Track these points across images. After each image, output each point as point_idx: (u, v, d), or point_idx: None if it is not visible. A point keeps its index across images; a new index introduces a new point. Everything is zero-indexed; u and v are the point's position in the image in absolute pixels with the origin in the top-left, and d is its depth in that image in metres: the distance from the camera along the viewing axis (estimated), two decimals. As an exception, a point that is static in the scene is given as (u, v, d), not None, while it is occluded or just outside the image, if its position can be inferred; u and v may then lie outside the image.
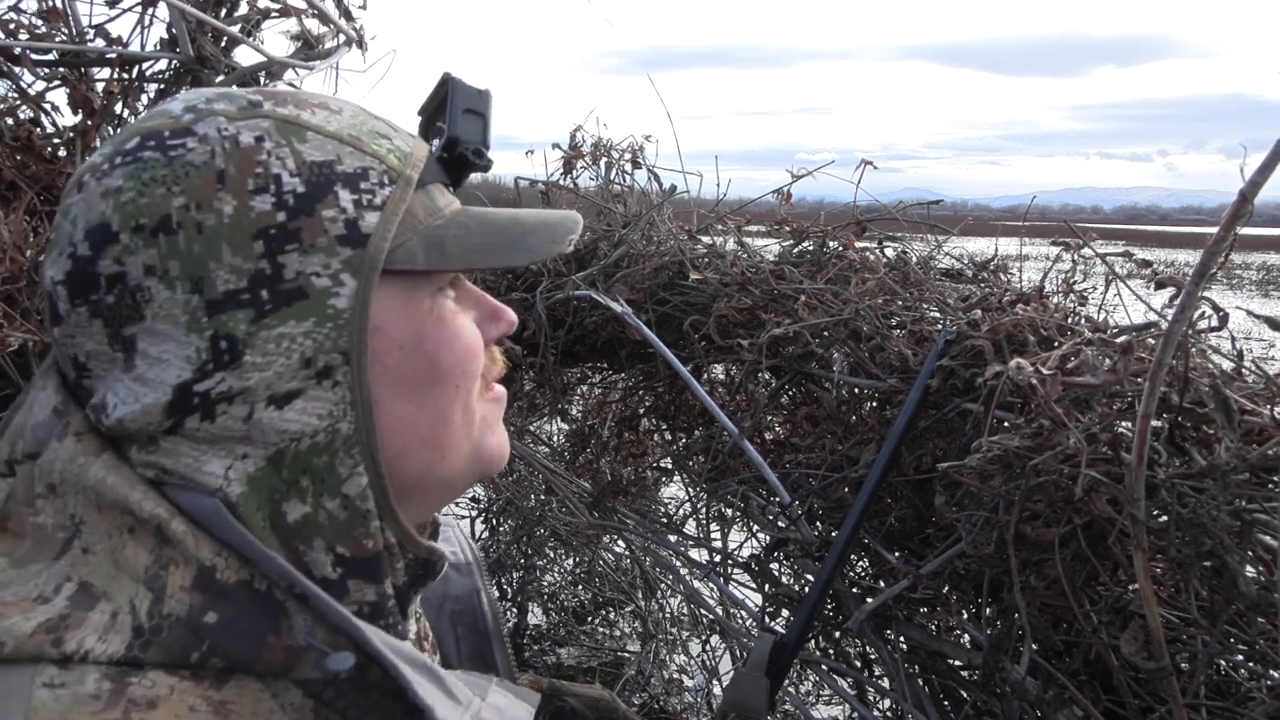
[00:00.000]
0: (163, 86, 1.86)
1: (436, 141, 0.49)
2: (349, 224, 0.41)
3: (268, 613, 0.38)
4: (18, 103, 1.72)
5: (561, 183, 1.82)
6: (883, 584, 1.11)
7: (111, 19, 1.78)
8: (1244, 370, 0.88)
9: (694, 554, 1.68)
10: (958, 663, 1.06)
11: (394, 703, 0.40)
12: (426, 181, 0.46)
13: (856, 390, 1.21)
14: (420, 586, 0.47)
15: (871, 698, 1.22)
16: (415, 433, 0.44)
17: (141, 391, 0.38)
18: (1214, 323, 0.85)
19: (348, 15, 2.00)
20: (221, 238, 0.38)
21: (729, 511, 1.54)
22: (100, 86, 1.79)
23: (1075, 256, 1.08)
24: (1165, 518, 0.76)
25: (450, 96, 0.48)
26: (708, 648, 2.48)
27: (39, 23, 1.72)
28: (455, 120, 0.48)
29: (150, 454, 0.39)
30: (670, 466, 1.79)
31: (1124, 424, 0.82)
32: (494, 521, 2.96)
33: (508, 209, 0.49)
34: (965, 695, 1.05)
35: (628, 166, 1.79)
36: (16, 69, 1.68)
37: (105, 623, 0.35)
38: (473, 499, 3.20)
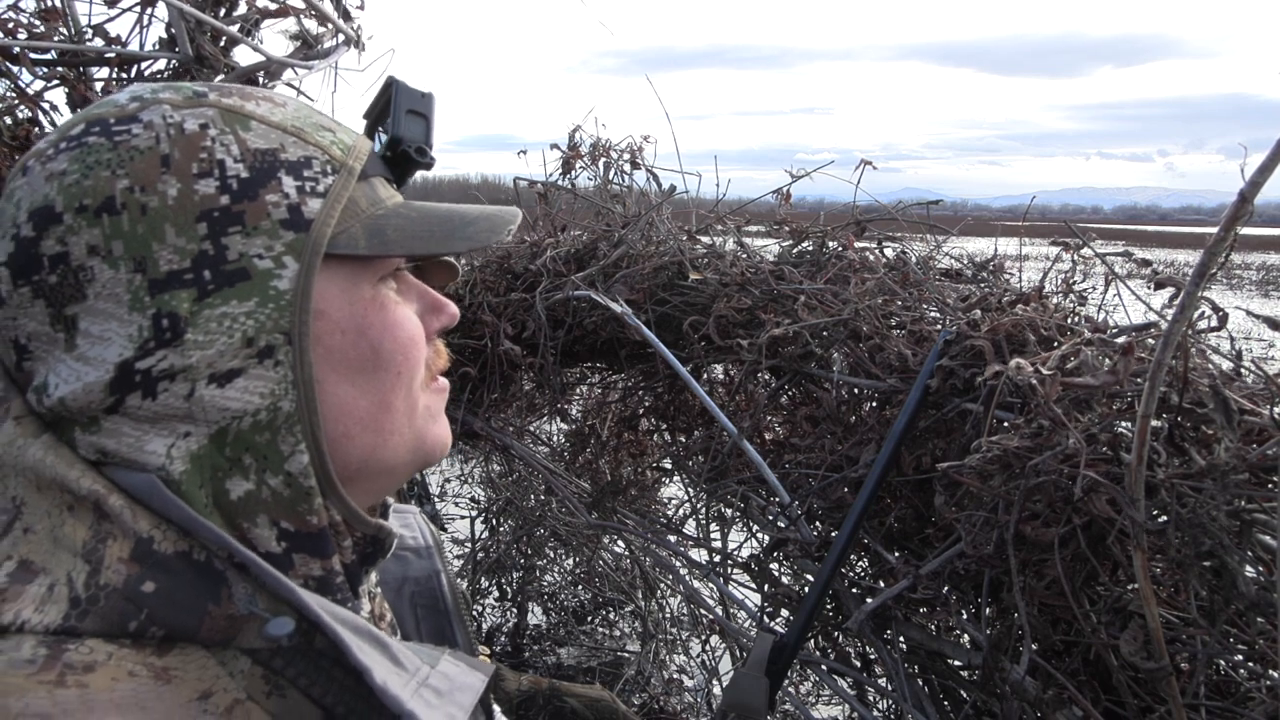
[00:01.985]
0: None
1: (381, 140, 0.51)
2: (292, 209, 0.42)
3: (207, 582, 0.38)
4: (16, 102, 1.72)
5: (560, 183, 1.82)
6: (882, 584, 1.11)
7: (110, 18, 1.78)
8: (1243, 370, 0.88)
9: (694, 554, 1.68)
10: (957, 663, 1.06)
11: (343, 671, 0.40)
12: (369, 174, 0.47)
13: (856, 390, 1.21)
14: (371, 564, 0.48)
15: (871, 698, 1.22)
16: (356, 416, 0.44)
17: (83, 370, 0.39)
18: (1213, 323, 0.85)
19: (346, 15, 2.00)
20: (165, 219, 0.39)
21: (729, 511, 1.54)
22: (99, 86, 1.79)
23: (1075, 256, 1.08)
24: (1165, 518, 0.76)
25: (394, 98, 0.50)
26: (708, 648, 2.48)
27: (38, 22, 1.71)
28: (399, 120, 0.50)
29: (93, 434, 0.39)
30: (670, 466, 1.79)
31: (1123, 424, 0.82)
32: (494, 521, 2.96)
33: (448, 204, 0.51)
34: (965, 695, 1.05)
35: (626, 167, 1.79)
36: (15, 68, 1.68)
37: (42, 595, 0.36)
38: (472, 499, 3.20)
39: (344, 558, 0.45)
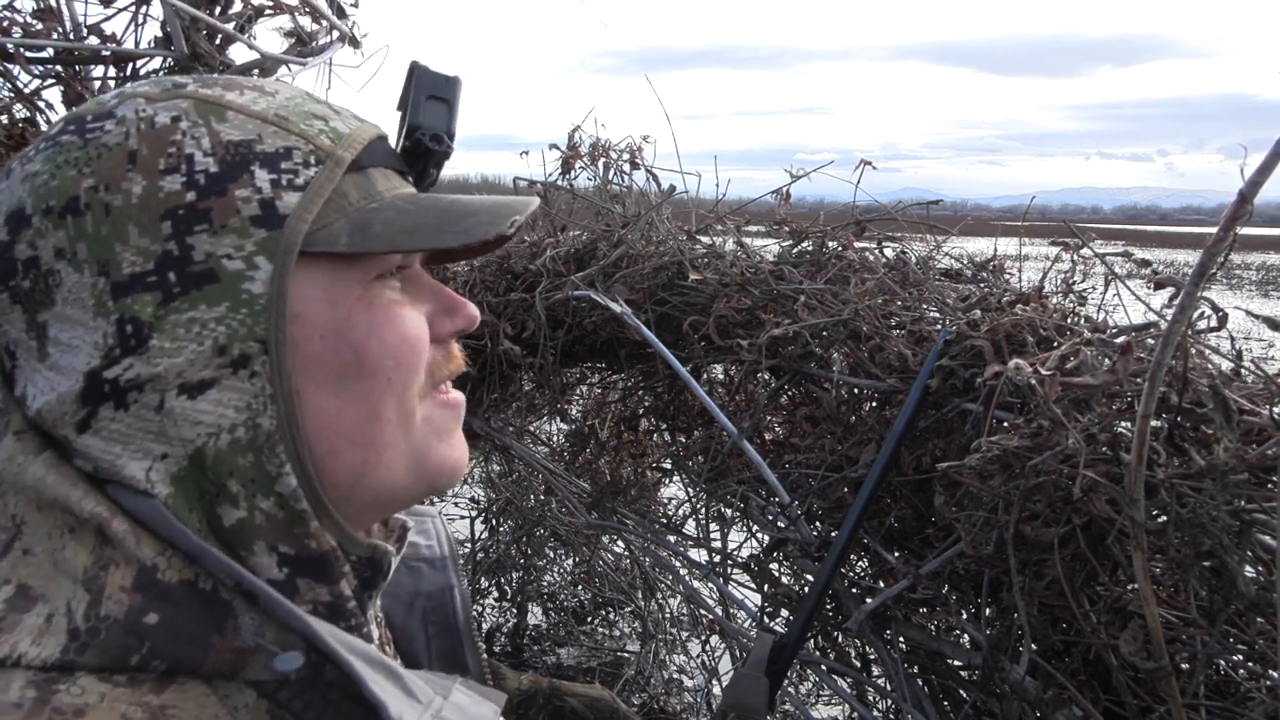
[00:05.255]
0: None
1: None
2: (264, 204, 0.39)
3: (212, 612, 0.37)
4: (12, 101, 1.71)
5: (559, 183, 1.82)
6: (882, 584, 1.11)
7: (106, 17, 1.77)
8: (1243, 370, 0.88)
9: (694, 554, 1.68)
10: (957, 663, 1.06)
11: (351, 704, 0.38)
12: (366, 165, 0.43)
13: (856, 390, 1.21)
14: (371, 589, 0.45)
15: (871, 698, 1.22)
16: (342, 430, 0.41)
17: (56, 380, 0.37)
18: (1213, 323, 0.85)
19: (341, 12, 2.00)
20: (129, 219, 0.37)
21: (729, 512, 1.54)
22: (95, 85, 1.79)
23: (1075, 256, 1.08)
24: (1164, 518, 0.76)
25: (413, 83, 0.47)
26: (708, 648, 2.48)
27: (33, 20, 1.71)
28: (418, 107, 0.46)
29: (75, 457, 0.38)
30: (670, 466, 1.79)
31: (1123, 424, 0.82)
32: (494, 521, 2.95)
33: (464, 195, 0.47)
34: (965, 695, 1.05)
35: (626, 167, 1.79)
36: (11, 67, 1.68)
37: (40, 626, 0.34)
38: (472, 499, 3.20)
39: (349, 582, 0.43)
